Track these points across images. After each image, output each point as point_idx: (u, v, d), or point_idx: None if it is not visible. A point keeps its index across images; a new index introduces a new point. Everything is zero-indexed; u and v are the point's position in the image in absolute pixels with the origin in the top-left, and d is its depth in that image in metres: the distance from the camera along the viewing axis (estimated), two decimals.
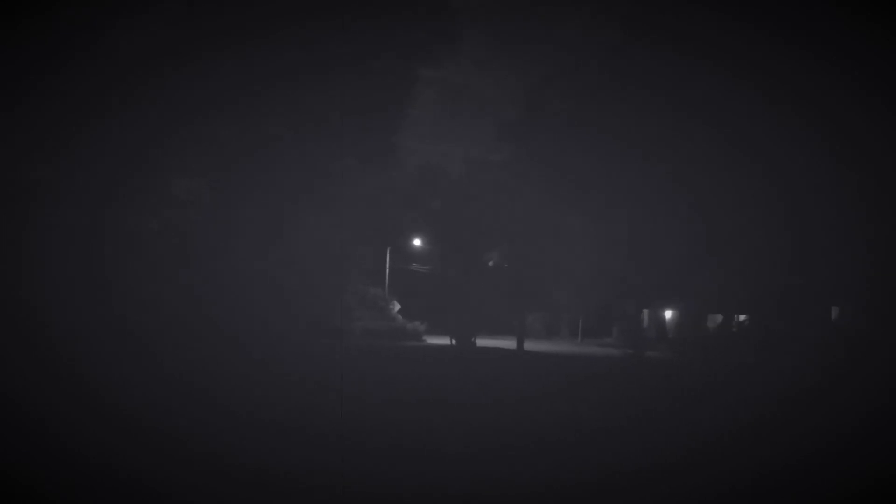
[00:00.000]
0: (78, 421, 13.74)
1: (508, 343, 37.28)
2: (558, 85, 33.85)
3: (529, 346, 36.94)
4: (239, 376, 20.90)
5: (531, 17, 34.12)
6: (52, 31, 24.94)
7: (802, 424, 15.77)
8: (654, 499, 10.05)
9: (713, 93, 29.61)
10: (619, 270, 33.46)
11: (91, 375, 18.98)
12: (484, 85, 34.87)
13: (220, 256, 28.14)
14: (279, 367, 23.45)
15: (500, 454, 12.23)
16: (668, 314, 43.18)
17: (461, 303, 37.09)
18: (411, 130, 33.16)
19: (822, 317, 34.49)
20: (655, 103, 31.03)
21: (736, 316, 38.14)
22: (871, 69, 27.70)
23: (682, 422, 15.87)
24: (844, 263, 30.18)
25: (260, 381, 20.23)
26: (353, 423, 14.55)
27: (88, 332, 23.88)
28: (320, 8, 27.88)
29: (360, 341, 35.33)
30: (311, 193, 29.67)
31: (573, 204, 33.03)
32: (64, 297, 24.77)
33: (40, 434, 12.51)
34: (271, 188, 28.82)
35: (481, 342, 37.51)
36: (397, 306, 43.31)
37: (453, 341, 37.38)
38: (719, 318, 38.04)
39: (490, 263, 39.13)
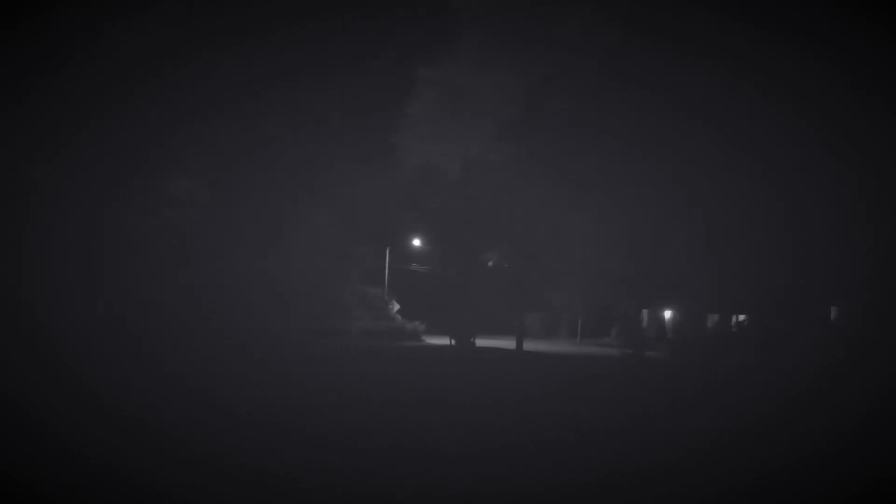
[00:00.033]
0: (78, 421, 13.74)
1: (508, 343, 37.28)
2: (558, 85, 33.85)
3: (529, 346, 36.94)
4: (239, 376, 20.90)
5: (531, 17, 34.13)
6: (52, 31, 24.96)
7: (802, 424, 15.77)
8: (654, 499, 10.05)
9: (713, 93, 29.62)
10: (619, 270, 33.47)
11: (91, 375, 19.00)
12: (484, 85, 34.87)
13: (220, 256, 28.16)
14: (279, 367, 23.46)
15: (500, 454, 12.22)
16: (668, 314, 43.22)
17: (461, 303, 37.09)
18: (411, 130, 33.19)
19: (822, 317, 34.51)
20: (655, 103, 31.04)
21: (736, 316, 38.16)
22: (871, 69, 27.72)
23: (682, 422, 15.87)
24: (844, 263, 30.18)
25: (260, 381, 20.23)
26: (353, 423, 14.55)
27: (88, 332, 23.90)
28: (320, 8, 27.91)
29: (360, 341, 35.35)
30: (311, 193, 29.68)
31: (573, 204, 33.04)
32: (64, 297, 24.78)
33: (40, 434, 12.51)
34: (271, 188, 28.84)
35: (480, 342, 37.51)
36: (396, 306, 43.33)
37: (452, 341, 37.38)
38: (719, 318, 38.05)
39: (490, 263, 39.14)
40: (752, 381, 23.14)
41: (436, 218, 37.75)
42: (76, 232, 25.92)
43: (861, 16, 27.41)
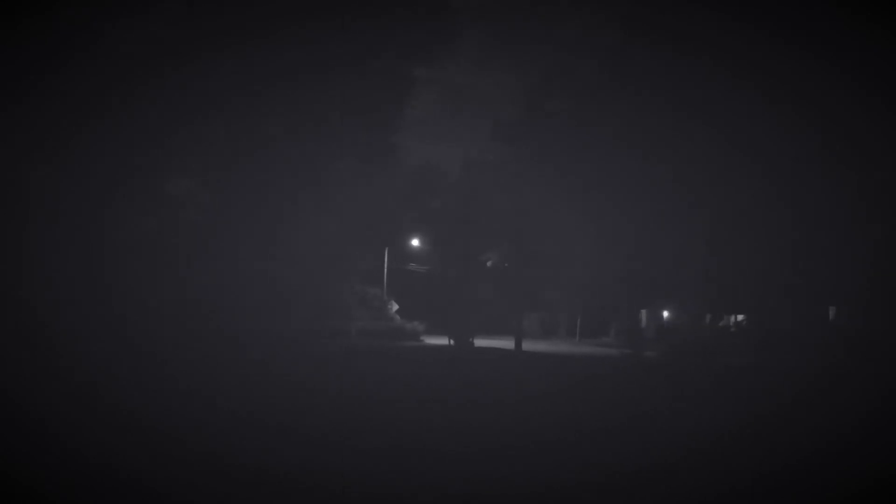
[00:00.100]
0: (78, 421, 13.74)
1: (507, 343, 37.27)
2: (558, 85, 33.86)
3: (528, 346, 36.93)
4: (239, 376, 20.91)
5: (531, 17, 34.19)
6: (52, 31, 24.93)
7: (802, 424, 15.77)
8: (654, 499, 10.05)
9: (713, 93, 29.62)
10: (619, 270, 33.47)
11: (91, 375, 19.00)
12: (484, 85, 34.93)
13: (220, 256, 28.14)
14: (279, 367, 23.47)
15: (500, 454, 12.23)
16: (667, 314, 43.21)
17: (460, 303, 37.08)
18: (411, 130, 33.20)
19: (822, 317, 34.49)
20: (655, 103, 31.04)
21: (735, 316, 38.14)
22: (871, 69, 27.70)
23: (682, 422, 15.87)
24: (844, 263, 30.16)
25: (260, 381, 20.24)
26: (353, 423, 14.56)
27: (88, 332, 23.89)
28: (320, 8, 27.89)
29: (360, 341, 35.36)
30: (311, 193, 29.66)
31: (573, 204, 33.03)
32: (64, 297, 24.77)
33: (40, 434, 12.52)
34: (271, 188, 28.82)
35: (479, 342, 37.51)
36: (395, 306, 43.34)
37: (451, 341, 37.37)
38: (719, 318, 38.02)
39: (488, 263, 39.13)
40: (752, 381, 23.13)
41: (436, 218, 37.75)
42: (76, 232, 25.90)
43: (861, 16, 27.40)
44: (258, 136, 28.85)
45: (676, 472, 11.36)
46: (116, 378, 18.99)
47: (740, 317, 37.83)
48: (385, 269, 43.22)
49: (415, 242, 43.93)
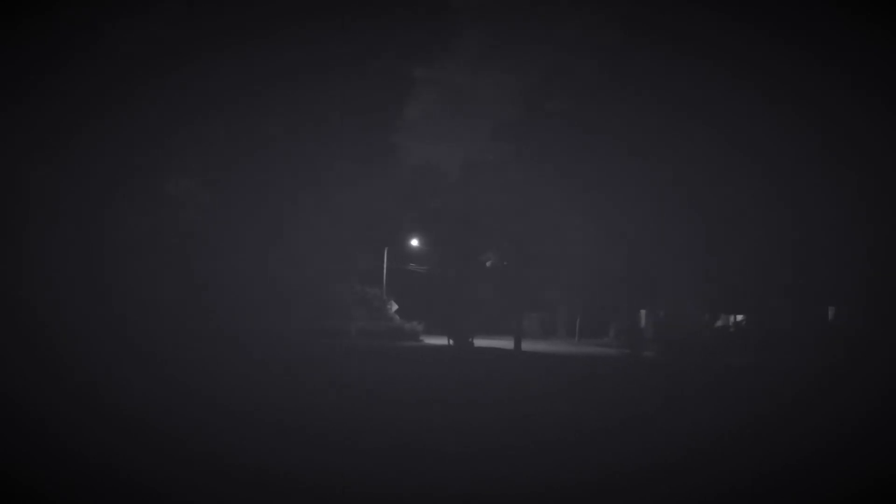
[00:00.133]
0: (78, 421, 13.74)
1: (506, 343, 37.28)
2: (558, 85, 33.85)
3: (527, 345, 36.94)
4: (239, 376, 20.91)
5: (531, 17, 34.21)
6: (52, 31, 24.93)
7: (802, 424, 15.76)
8: (654, 499, 10.04)
9: (713, 93, 29.61)
10: (619, 270, 33.47)
11: (91, 375, 19.00)
12: (484, 85, 34.94)
13: (220, 256, 28.15)
14: (279, 367, 23.47)
15: (500, 454, 12.23)
16: (667, 314, 43.15)
17: (459, 303, 37.10)
18: (411, 130, 33.23)
19: (822, 317, 34.48)
20: (655, 103, 31.03)
21: (735, 316, 38.13)
22: (871, 69, 27.69)
23: (682, 422, 15.87)
24: (844, 263, 30.16)
25: (260, 381, 20.24)
26: (353, 423, 14.56)
27: (88, 332, 23.90)
28: (320, 8, 27.90)
29: (360, 341, 35.38)
30: (311, 193, 29.67)
31: (573, 204, 33.04)
32: (64, 297, 24.77)
33: (40, 434, 12.52)
34: (271, 188, 28.83)
35: (479, 342, 37.51)
36: (395, 306, 43.36)
37: (451, 341, 37.38)
38: (718, 318, 38.01)
39: (488, 263, 39.14)
40: (752, 381, 23.13)
41: (435, 218, 37.76)
42: (76, 232, 25.91)
43: (861, 16, 27.39)
44: (258, 136, 28.86)
45: (676, 472, 11.36)
46: (116, 378, 18.99)
47: (740, 317, 37.81)
48: (384, 269, 43.24)
49: (414, 242, 43.94)
